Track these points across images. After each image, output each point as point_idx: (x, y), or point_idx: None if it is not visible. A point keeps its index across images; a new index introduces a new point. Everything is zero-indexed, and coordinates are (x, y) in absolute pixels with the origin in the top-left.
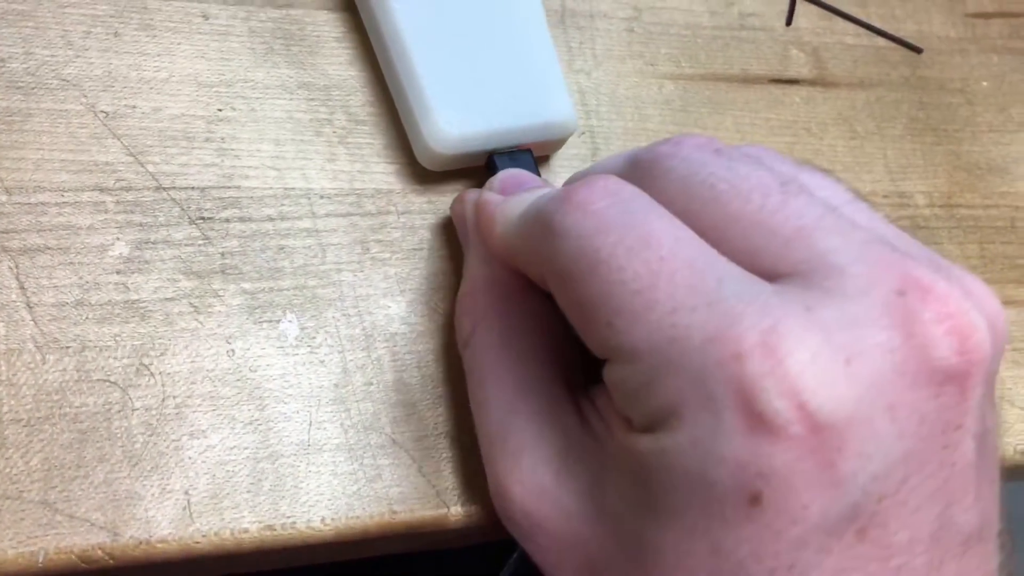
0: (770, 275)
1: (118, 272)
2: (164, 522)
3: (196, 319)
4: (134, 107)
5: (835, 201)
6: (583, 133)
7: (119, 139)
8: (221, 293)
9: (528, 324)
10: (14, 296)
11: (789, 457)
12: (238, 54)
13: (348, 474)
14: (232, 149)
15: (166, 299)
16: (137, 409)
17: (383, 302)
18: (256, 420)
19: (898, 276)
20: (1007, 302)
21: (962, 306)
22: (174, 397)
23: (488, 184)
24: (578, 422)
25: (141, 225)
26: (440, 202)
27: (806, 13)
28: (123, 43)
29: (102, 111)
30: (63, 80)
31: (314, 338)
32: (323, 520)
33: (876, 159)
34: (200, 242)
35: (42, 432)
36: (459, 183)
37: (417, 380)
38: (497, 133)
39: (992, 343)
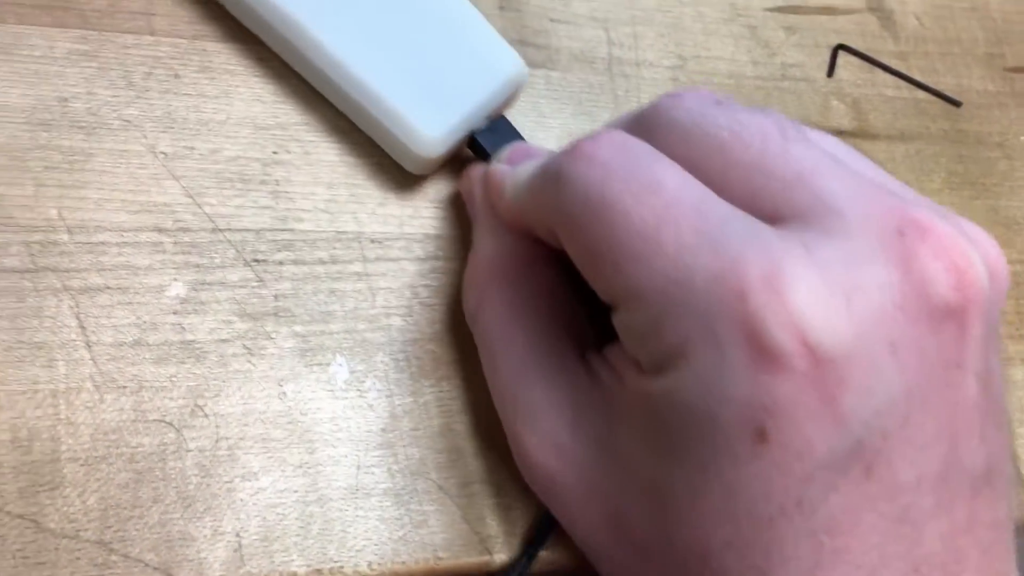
0: (771, 218)
1: (175, 313)
2: (216, 564)
3: (249, 361)
4: (192, 148)
5: (836, 151)
6: None
7: (178, 180)
8: (274, 335)
9: (533, 291)
10: (74, 335)
11: (791, 389)
12: (292, 97)
13: (395, 519)
14: (286, 192)
15: (221, 340)
16: (191, 450)
17: (430, 347)
18: (306, 463)
19: (897, 217)
20: None
21: (959, 244)
22: (227, 439)
23: (496, 157)
24: (587, 377)
25: (198, 266)
26: None
27: (847, 65)
28: (183, 84)
29: (162, 152)
30: (124, 121)
31: (363, 382)
32: (370, 565)
33: None
34: (254, 284)
35: (99, 472)
36: None
37: (463, 426)
38: (471, 114)
39: (991, 283)
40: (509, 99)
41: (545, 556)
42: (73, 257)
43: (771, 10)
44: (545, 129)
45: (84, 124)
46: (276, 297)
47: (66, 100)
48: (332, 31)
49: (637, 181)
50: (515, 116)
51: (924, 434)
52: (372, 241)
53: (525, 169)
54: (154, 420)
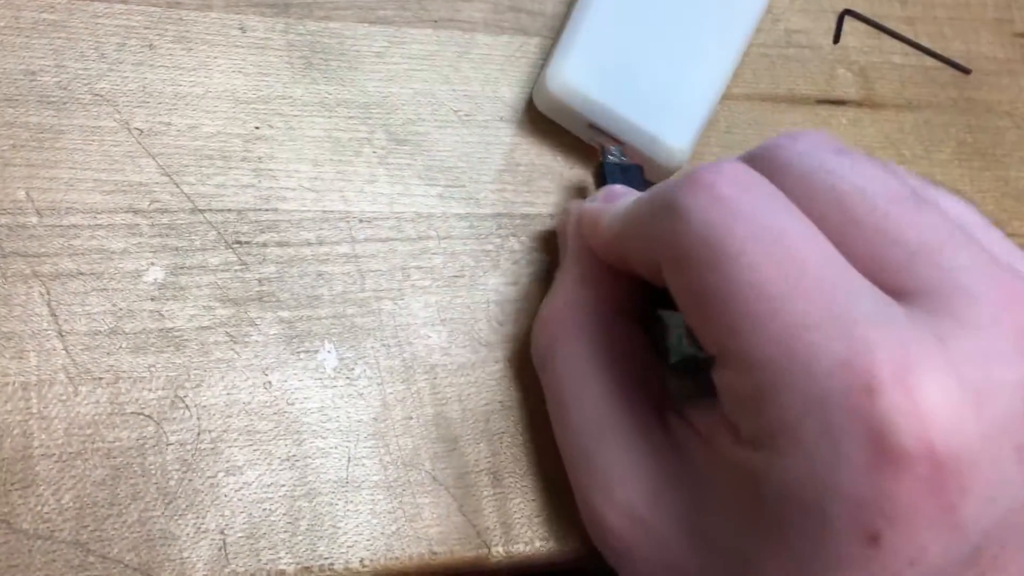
0: (894, 288)
1: (152, 299)
2: (199, 564)
3: (232, 349)
4: (169, 124)
5: (967, 219)
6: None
7: (154, 158)
8: (258, 322)
9: (610, 343)
10: (45, 324)
11: (911, 494)
12: (276, 69)
13: (387, 513)
14: (269, 169)
15: (202, 328)
16: (172, 444)
17: (423, 332)
18: (294, 456)
19: None
20: None
21: None
22: (210, 431)
23: (592, 196)
24: (669, 443)
25: (176, 249)
26: (481, 227)
27: (854, 31)
28: (158, 56)
29: (136, 128)
30: (96, 95)
31: (352, 369)
32: (362, 561)
33: None
34: (237, 268)
35: (74, 468)
36: (499, 205)
37: (458, 414)
38: (605, 110)
39: None
40: (644, 158)
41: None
42: (43, 241)
43: None
44: None
45: (53, 99)
46: (260, 281)
47: (33, 74)
48: None
49: (763, 229)
50: (510, 86)
51: None
52: (361, 221)
53: (624, 201)
54: (132, 413)
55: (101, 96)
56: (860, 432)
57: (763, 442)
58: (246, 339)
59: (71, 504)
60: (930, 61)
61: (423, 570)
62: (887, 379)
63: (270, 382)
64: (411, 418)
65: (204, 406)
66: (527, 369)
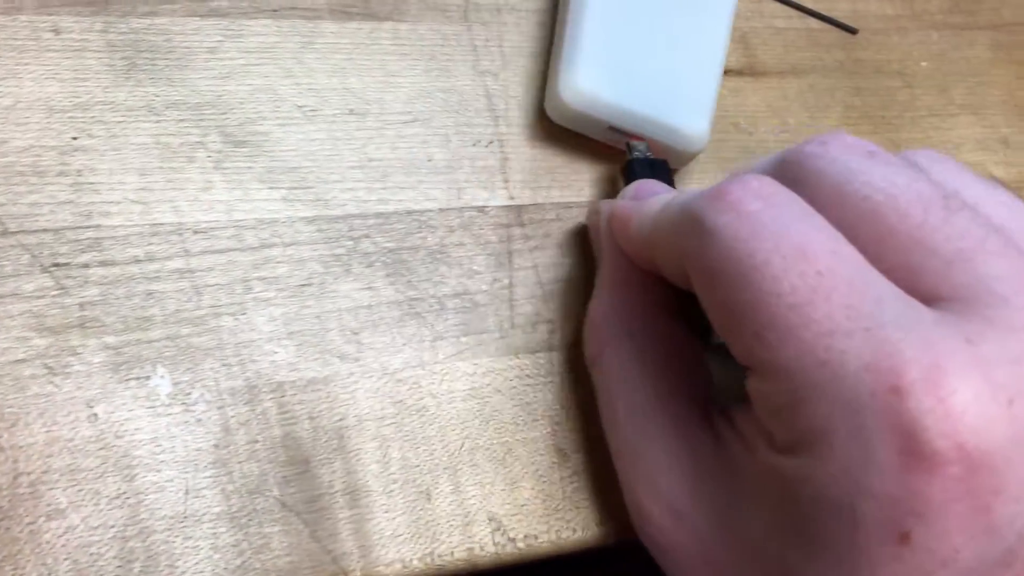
0: (928, 297)
1: None
2: None
3: (51, 382)
4: None
5: (1000, 218)
6: (491, 143)
7: None
8: (80, 350)
9: (657, 343)
10: None
11: (944, 498)
12: (96, 73)
13: (231, 546)
14: (90, 183)
15: (16, 361)
16: None
17: (268, 347)
18: (124, 493)
19: None
20: None
21: None
22: (28, 474)
23: (622, 193)
24: (712, 441)
25: None
26: (331, 230)
27: None
28: None
29: None
30: None
31: (189, 394)
32: None
33: None
34: (54, 293)
35: None
36: (351, 205)
37: (309, 433)
38: (624, 111)
39: None
40: (667, 150)
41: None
42: None
43: None
44: (394, 89)
45: None
46: (81, 306)
47: None
48: None
49: (789, 242)
50: (359, 76)
51: None
52: (195, 232)
53: (653, 204)
54: None
55: None
56: (890, 433)
57: (796, 449)
58: (67, 370)
59: None
60: (814, 23)
61: None
62: (915, 380)
63: (96, 415)
64: (256, 442)
65: (20, 447)
66: (385, 378)
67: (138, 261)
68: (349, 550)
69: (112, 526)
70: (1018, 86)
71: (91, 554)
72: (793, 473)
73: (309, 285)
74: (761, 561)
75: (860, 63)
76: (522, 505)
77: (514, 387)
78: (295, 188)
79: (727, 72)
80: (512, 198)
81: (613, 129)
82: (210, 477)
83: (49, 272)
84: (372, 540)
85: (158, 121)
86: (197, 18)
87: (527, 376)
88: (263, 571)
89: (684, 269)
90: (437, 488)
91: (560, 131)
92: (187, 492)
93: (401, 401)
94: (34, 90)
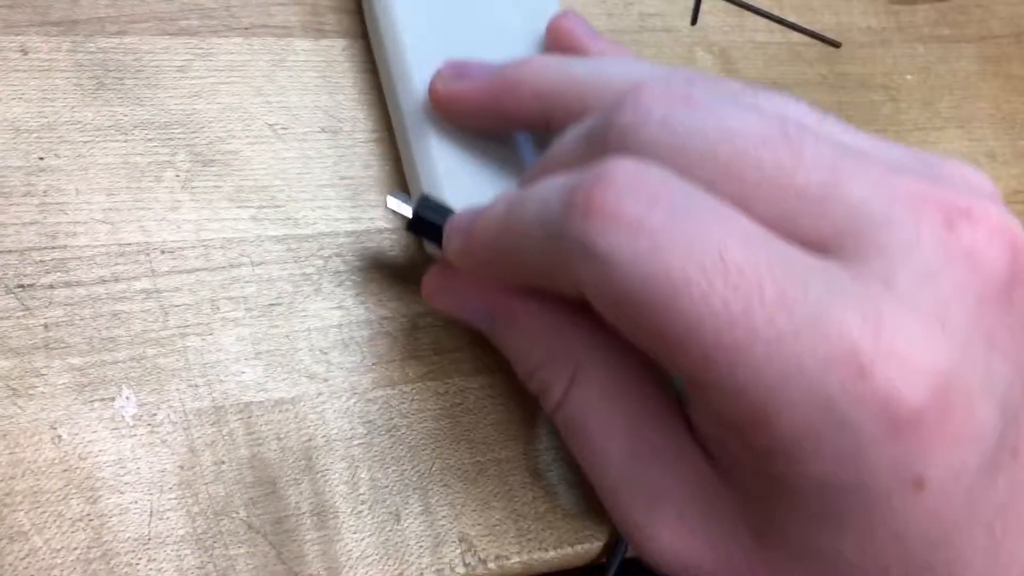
0: (814, 241)
1: None
2: None
3: (15, 404)
4: None
5: (809, 121)
6: None
7: None
8: (44, 371)
9: (626, 369)
10: None
11: (932, 435)
12: (63, 92)
13: (195, 568)
14: (57, 203)
15: None
16: None
17: (236, 368)
18: (87, 515)
19: (935, 209)
20: None
21: (1002, 219)
22: None
23: (447, 230)
24: (703, 454)
25: None
26: (301, 249)
27: (712, 10)
28: None
29: None
30: None
31: (155, 415)
32: None
33: None
34: (19, 314)
35: None
36: (321, 224)
37: (276, 454)
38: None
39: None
40: None
41: None
42: None
43: None
44: (367, 106)
45: None
46: (46, 327)
47: None
48: (418, 29)
49: (700, 247)
50: (331, 94)
51: None
52: (163, 252)
53: (490, 210)
54: None
55: None
56: (870, 412)
57: (778, 455)
58: (31, 392)
59: None
60: (797, 37)
61: None
62: (873, 354)
63: (59, 436)
64: (222, 463)
65: None
66: (353, 399)
67: (104, 281)
68: (316, 572)
69: (75, 548)
70: (1005, 99)
71: None
72: (781, 474)
73: (278, 304)
74: (793, 554)
75: (844, 77)
76: (494, 525)
77: (485, 407)
78: (264, 207)
79: None
80: None
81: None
82: (175, 499)
83: (13, 293)
84: (340, 562)
85: (126, 141)
86: (167, 36)
87: (499, 396)
88: None
89: (568, 291)
90: (407, 508)
91: None
92: (151, 514)
93: (371, 421)
94: (0, 111)
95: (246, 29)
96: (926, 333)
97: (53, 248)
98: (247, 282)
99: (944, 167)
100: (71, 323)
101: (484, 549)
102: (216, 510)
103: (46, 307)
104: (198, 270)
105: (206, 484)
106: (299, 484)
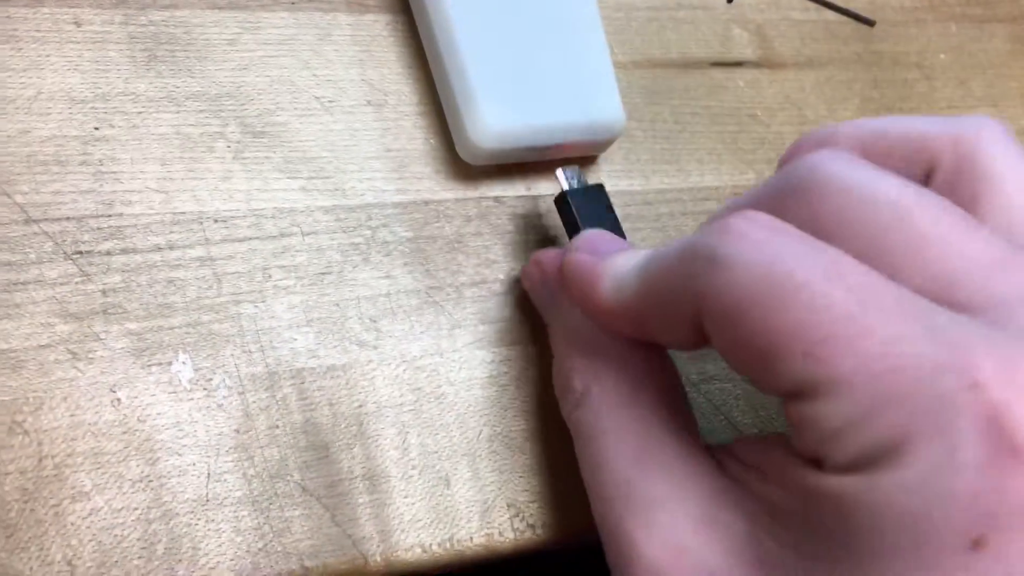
0: (963, 306)
1: None
2: None
3: (75, 367)
4: None
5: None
6: None
7: None
8: (103, 336)
9: (646, 379)
10: None
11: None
12: (116, 64)
13: (253, 529)
14: (112, 172)
15: (40, 346)
16: (10, 473)
17: (288, 335)
18: (147, 476)
19: None
20: None
21: None
22: (52, 457)
23: (572, 245)
24: (718, 470)
25: (9, 264)
26: (349, 219)
27: None
28: None
29: None
30: None
31: (210, 380)
32: None
33: None
34: (78, 279)
35: None
36: (368, 195)
37: (328, 419)
38: (541, 129)
39: None
40: (592, 143)
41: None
42: None
43: None
44: (411, 80)
45: None
46: (104, 292)
47: None
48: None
49: (821, 259)
50: (377, 67)
51: None
52: (215, 221)
53: (624, 262)
54: None
55: None
56: (976, 428)
57: (861, 465)
58: (90, 355)
59: None
60: (832, 15)
61: None
62: (992, 374)
63: (119, 399)
64: (277, 427)
65: (45, 430)
66: (404, 366)
67: (159, 249)
68: (369, 534)
69: (135, 508)
70: None
71: (115, 536)
72: (853, 490)
73: (328, 273)
74: None
75: (878, 55)
76: (541, 492)
77: (530, 375)
78: (313, 178)
79: (743, 63)
80: (528, 188)
81: (531, 149)
82: (232, 461)
83: (72, 260)
84: (392, 525)
85: (178, 112)
86: (216, 10)
87: (544, 365)
88: (284, 554)
89: (689, 327)
90: (456, 474)
91: None
92: (209, 476)
93: (420, 388)
94: (56, 81)
95: (292, 3)
96: None
97: (109, 216)
98: (298, 251)
99: None
100: (128, 289)
101: (532, 515)
102: (271, 473)
103: (104, 273)
104: (250, 239)
105: (261, 448)
106: (351, 449)
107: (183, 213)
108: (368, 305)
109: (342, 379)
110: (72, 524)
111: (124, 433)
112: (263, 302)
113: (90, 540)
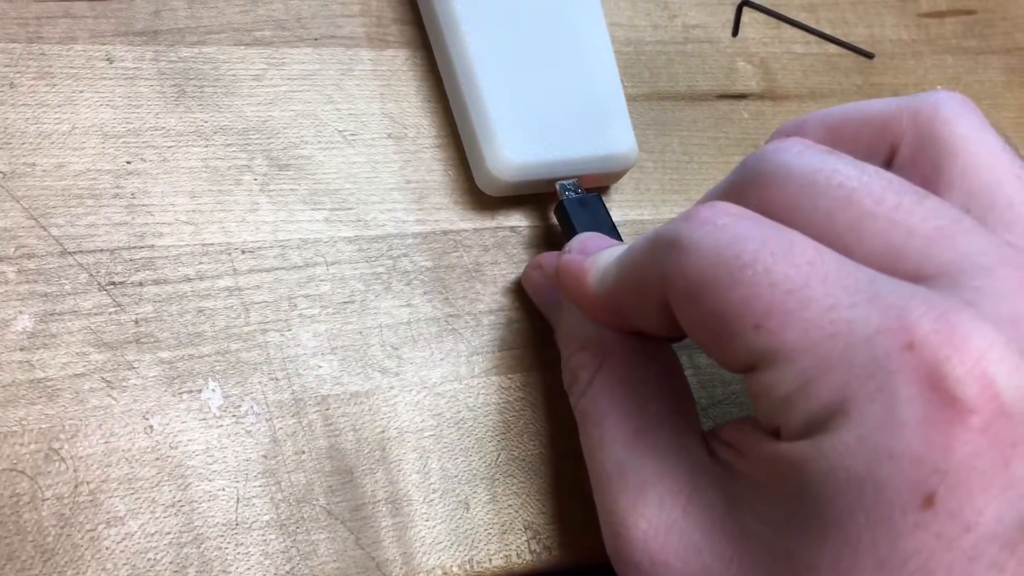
0: (913, 276)
1: (22, 349)
2: None
3: (109, 395)
4: (34, 165)
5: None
6: None
7: (18, 201)
8: (136, 364)
9: (646, 368)
10: None
11: (967, 451)
12: (147, 99)
13: (280, 552)
14: (143, 205)
15: (76, 375)
16: (47, 499)
17: (313, 362)
18: (179, 501)
19: None
20: None
21: None
22: (88, 483)
23: (567, 247)
24: (705, 452)
25: (45, 295)
26: (371, 249)
27: (752, 23)
28: (19, 95)
29: None
30: None
31: (239, 407)
32: None
33: None
34: (111, 310)
35: None
36: (389, 225)
37: (352, 444)
38: (558, 163)
39: None
40: (606, 175)
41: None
42: None
43: None
44: (430, 114)
45: None
46: (137, 322)
47: None
48: (479, 31)
49: (774, 240)
50: (397, 101)
51: None
52: (243, 252)
53: (607, 255)
54: (4, 470)
55: None
56: (912, 387)
57: (809, 431)
58: (124, 384)
59: None
60: (832, 48)
61: None
62: (928, 333)
63: (151, 426)
64: (303, 452)
65: (81, 457)
66: (423, 392)
67: (189, 279)
68: (392, 557)
69: (168, 533)
70: None
71: (148, 559)
72: (803, 455)
73: (351, 302)
74: (764, 561)
75: (877, 87)
76: (557, 514)
77: (547, 401)
78: (336, 209)
79: (748, 95)
80: (544, 218)
81: (550, 180)
82: (260, 486)
83: (106, 290)
84: (414, 547)
85: (207, 145)
86: (242, 47)
87: (560, 391)
88: None
89: (659, 306)
90: (475, 497)
91: None
92: (238, 500)
93: (440, 414)
94: (89, 116)
95: (316, 40)
96: (1002, 349)
97: (141, 247)
98: (322, 280)
99: None
100: (160, 319)
101: (549, 537)
102: (298, 497)
103: (136, 304)
104: (276, 269)
105: (288, 472)
106: (374, 473)
107: (212, 244)
108: (390, 333)
109: (365, 405)
110: (107, 548)
111: (157, 459)
112: (289, 331)
113: (124, 564)
